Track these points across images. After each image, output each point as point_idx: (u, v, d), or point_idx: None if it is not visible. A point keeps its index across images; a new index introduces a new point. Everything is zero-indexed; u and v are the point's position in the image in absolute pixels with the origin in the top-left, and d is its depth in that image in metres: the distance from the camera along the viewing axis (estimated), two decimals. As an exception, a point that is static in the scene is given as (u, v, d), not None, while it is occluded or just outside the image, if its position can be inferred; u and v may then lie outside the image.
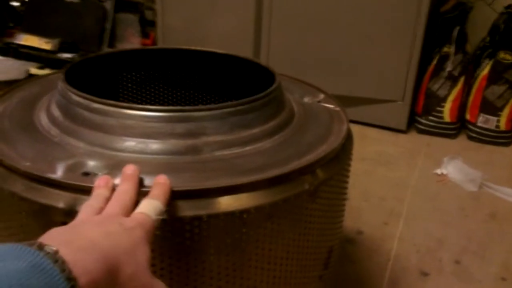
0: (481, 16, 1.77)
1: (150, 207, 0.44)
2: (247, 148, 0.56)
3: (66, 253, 0.33)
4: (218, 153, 0.54)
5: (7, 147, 0.53)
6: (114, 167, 0.50)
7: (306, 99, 0.73)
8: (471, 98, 1.64)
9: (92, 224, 0.41)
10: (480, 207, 1.26)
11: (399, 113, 1.67)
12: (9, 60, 1.97)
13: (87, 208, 0.44)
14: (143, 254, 0.41)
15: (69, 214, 0.45)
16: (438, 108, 1.64)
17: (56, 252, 0.33)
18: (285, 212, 0.51)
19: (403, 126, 1.68)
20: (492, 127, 1.60)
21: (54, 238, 0.36)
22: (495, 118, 1.59)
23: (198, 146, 0.53)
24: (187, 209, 0.47)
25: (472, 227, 1.17)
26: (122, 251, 0.39)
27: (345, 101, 1.67)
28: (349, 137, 0.64)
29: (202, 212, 0.47)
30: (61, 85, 0.59)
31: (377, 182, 1.36)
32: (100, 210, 0.43)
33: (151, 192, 0.46)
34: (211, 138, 0.54)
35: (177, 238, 0.47)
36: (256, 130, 0.57)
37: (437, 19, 1.67)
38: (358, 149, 1.54)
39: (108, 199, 0.45)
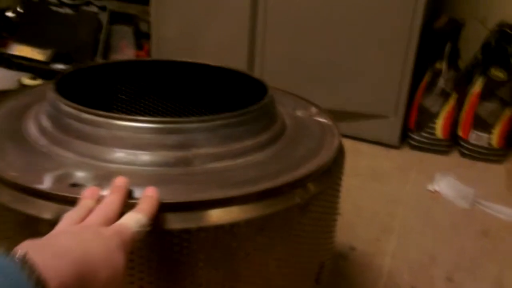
0: (474, 32, 1.78)
1: (132, 219, 0.44)
2: (238, 161, 0.55)
3: (36, 258, 0.33)
4: (209, 166, 0.53)
5: (-5, 156, 0.52)
6: (103, 179, 0.49)
7: (298, 113, 0.73)
8: (463, 114, 1.65)
9: (68, 233, 0.41)
10: (473, 224, 1.26)
11: (392, 128, 1.67)
12: (1, 71, 1.97)
13: (67, 218, 0.43)
14: (119, 262, 0.40)
15: (55, 226, 0.44)
16: (431, 125, 1.64)
17: (24, 255, 0.33)
18: (275, 226, 0.50)
19: (395, 142, 1.68)
20: (485, 144, 1.60)
21: (27, 245, 0.35)
22: (487, 135, 1.59)
23: (188, 158, 0.53)
24: (176, 222, 0.46)
25: (465, 244, 1.17)
26: (96, 257, 0.38)
27: (337, 115, 1.67)
28: (341, 151, 0.63)
29: (191, 225, 0.46)
30: (51, 95, 0.59)
31: (369, 198, 1.35)
32: (81, 221, 0.43)
33: (138, 206, 0.45)
34: (202, 150, 0.54)
35: (165, 250, 0.46)
36: (247, 143, 0.57)
37: (430, 34, 1.68)
38: (350, 164, 1.54)
39: (91, 210, 0.44)
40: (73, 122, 0.54)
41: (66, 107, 0.55)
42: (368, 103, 1.66)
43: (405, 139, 1.73)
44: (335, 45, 1.62)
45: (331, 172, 0.58)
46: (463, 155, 1.65)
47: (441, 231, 1.21)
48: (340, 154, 0.63)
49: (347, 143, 1.72)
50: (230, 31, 1.75)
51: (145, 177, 0.50)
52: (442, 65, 1.59)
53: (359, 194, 1.37)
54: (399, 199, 1.36)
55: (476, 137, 1.61)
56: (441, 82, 1.59)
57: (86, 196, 0.46)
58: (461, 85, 1.64)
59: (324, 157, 0.58)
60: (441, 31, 1.67)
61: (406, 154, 1.67)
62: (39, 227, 0.46)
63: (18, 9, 2.25)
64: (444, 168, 1.50)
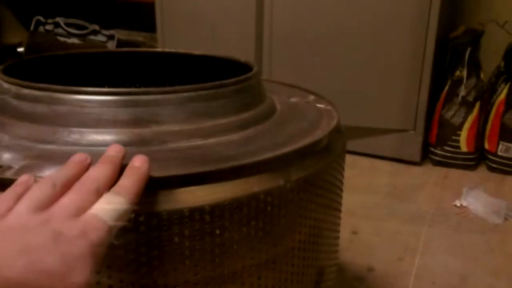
0: (494, 42, 1.67)
1: (110, 206, 0.33)
2: (210, 140, 0.45)
3: None
4: (172, 145, 0.43)
5: None
6: (36, 159, 0.39)
7: (293, 99, 0.63)
8: (488, 126, 1.52)
9: (12, 231, 0.30)
10: (507, 241, 1.11)
11: (412, 143, 1.55)
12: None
13: (26, 200, 0.32)
14: (79, 276, 0.30)
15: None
16: (454, 137, 1.52)
17: None
18: (254, 213, 0.39)
19: (416, 158, 1.56)
20: (514, 156, 1.47)
21: None
22: (517, 146, 1.46)
23: (146, 137, 0.43)
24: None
25: (500, 262, 1.02)
26: (45, 275, 0.28)
27: (352, 132, 1.57)
28: (340, 133, 0.53)
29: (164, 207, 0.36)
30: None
31: (390, 216, 1.23)
32: (46, 205, 0.32)
33: (119, 182, 0.35)
34: (164, 127, 0.44)
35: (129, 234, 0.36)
36: (222, 121, 0.47)
37: (448, 45, 1.58)
38: (368, 182, 1.43)
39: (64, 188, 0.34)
40: (11, 101, 0.45)
41: (5, 84, 0.46)
42: (385, 118, 1.55)
43: (426, 155, 1.60)
44: (347, 58, 1.53)
45: (327, 154, 0.47)
46: (491, 169, 1.52)
47: (471, 249, 1.07)
48: (339, 136, 0.52)
49: (364, 162, 1.61)
50: (237, 54, 1.68)
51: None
52: (462, 73, 1.47)
53: (378, 212, 1.24)
54: (423, 216, 1.22)
55: (505, 149, 1.47)
56: (462, 91, 1.47)
57: (75, 161, 0.36)
58: (485, 95, 1.52)
59: (317, 136, 0.48)
60: (459, 40, 1.57)
61: (429, 171, 1.54)
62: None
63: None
64: (471, 183, 1.37)
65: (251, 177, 0.40)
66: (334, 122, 0.52)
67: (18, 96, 0.45)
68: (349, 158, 1.59)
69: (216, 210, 0.37)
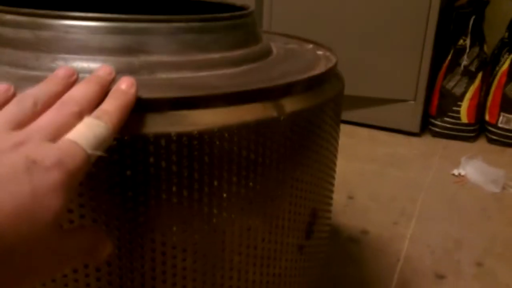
0: (498, 14, 1.64)
1: (89, 132, 0.30)
2: (202, 73, 0.43)
3: None
4: (161, 75, 0.41)
5: None
6: (20, 81, 0.38)
7: (291, 45, 0.61)
8: (490, 97, 1.50)
9: None
10: (504, 209, 1.10)
11: (412, 114, 1.53)
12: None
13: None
14: (48, 211, 0.26)
15: None
16: (454, 108, 1.50)
17: None
18: (245, 142, 0.38)
19: (416, 129, 1.54)
20: (515, 127, 1.45)
21: None
22: (518, 118, 1.44)
23: (134, 66, 0.41)
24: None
25: (496, 229, 1.02)
26: (11, 213, 0.25)
27: (352, 101, 1.55)
28: (337, 78, 0.51)
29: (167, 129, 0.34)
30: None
31: (387, 183, 1.21)
32: (19, 124, 0.30)
33: (102, 105, 0.32)
34: (153, 58, 0.42)
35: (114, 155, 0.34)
36: (214, 55, 0.45)
37: (451, 14, 1.55)
38: (366, 151, 1.41)
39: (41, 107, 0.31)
40: (-6, 27, 0.43)
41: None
42: (385, 87, 1.53)
43: (426, 127, 1.58)
44: (348, 25, 1.49)
45: (322, 93, 0.46)
46: (491, 141, 1.50)
47: (468, 216, 1.07)
48: (336, 80, 0.50)
49: (363, 132, 1.59)
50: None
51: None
52: (466, 41, 1.45)
53: (375, 179, 1.23)
54: (421, 184, 1.21)
55: (505, 120, 1.45)
56: (465, 60, 1.45)
57: (59, 77, 0.34)
58: (488, 66, 1.49)
59: (312, 73, 0.46)
60: (463, 9, 1.53)
61: (428, 141, 1.53)
62: None
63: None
64: (470, 153, 1.36)
65: (243, 105, 0.38)
66: (331, 64, 0.50)
67: (1, 23, 0.43)
68: (348, 128, 1.58)
69: (205, 136, 0.35)
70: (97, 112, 0.32)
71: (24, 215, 0.25)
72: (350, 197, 1.12)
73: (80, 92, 0.33)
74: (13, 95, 0.32)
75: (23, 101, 0.31)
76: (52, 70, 0.39)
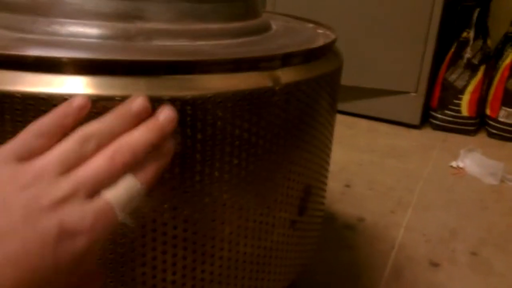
0: (503, 8, 1.63)
1: (126, 195, 0.28)
2: (198, 42, 0.43)
3: None
4: (158, 43, 0.41)
5: None
6: (16, 43, 0.37)
7: (291, 24, 0.60)
8: (491, 91, 1.49)
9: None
10: (502, 200, 1.10)
11: (412, 106, 1.53)
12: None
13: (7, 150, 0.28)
14: (62, 273, 0.26)
15: None
16: (456, 101, 1.49)
17: None
18: (239, 111, 0.37)
19: (416, 121, 1.53)
20: (515, 122, 1.45)
21: None
22: (519, 113, 1.44)
23: (130, 32, 0.41)
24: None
25: (493, 219, 1.01)
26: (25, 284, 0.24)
27: (353, 92, 1.55)
28: (335, 55, 0.51)
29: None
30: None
31: (385, 172, 1.21)
32: (67, 168, 0.27)
33: (145, 164, 0.30)
34: (150, 25, 0.42)
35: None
36: (213, 26, 0.45)
37: (456, 6, 1.54)
38: (366, 142, 1.41)
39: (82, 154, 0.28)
40: (-9, -9, 0.43)
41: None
42: (387, 78, 1.52)
43: (426, 119, 1.58)
44: (350, 16, 1.49)
45: (319, 67, 0.45)
46: (491, 135, 1.50)
47: (465, 206, 1.06)
48: (334, 57, 0.50)
49: (363, 123, 1.59)
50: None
51: (68, 48, 0.38)
52: (469, 34, 1.44)
53: (373, 169, 1.23)
54: (419, 175, 1.21)
55: (506, 115, 1.45)
56: (468, 52, 1.44)
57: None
58: (491, 60, 1.49)
59: (310, 46, 0.45)
60: (468, 1, 1.53)
61: (428, 134, 1.53)
62: None
63: None
64: (469, 146, 1.35)
65: (239, 73, 0.38)
66: (329, 40, 0.50)
67: (-3, -14, 0.43)
68: (348, 119, 1.58)
69: (198, 102, 0.35)
70: (139, 170, 0.29)
71: (40, 284, 0.25)
72: (347, 186, 1.12)
73: (140, 138, 0.30)
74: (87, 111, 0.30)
75: (87, 141, 0.28)
76: (48, 33, 0.39)
